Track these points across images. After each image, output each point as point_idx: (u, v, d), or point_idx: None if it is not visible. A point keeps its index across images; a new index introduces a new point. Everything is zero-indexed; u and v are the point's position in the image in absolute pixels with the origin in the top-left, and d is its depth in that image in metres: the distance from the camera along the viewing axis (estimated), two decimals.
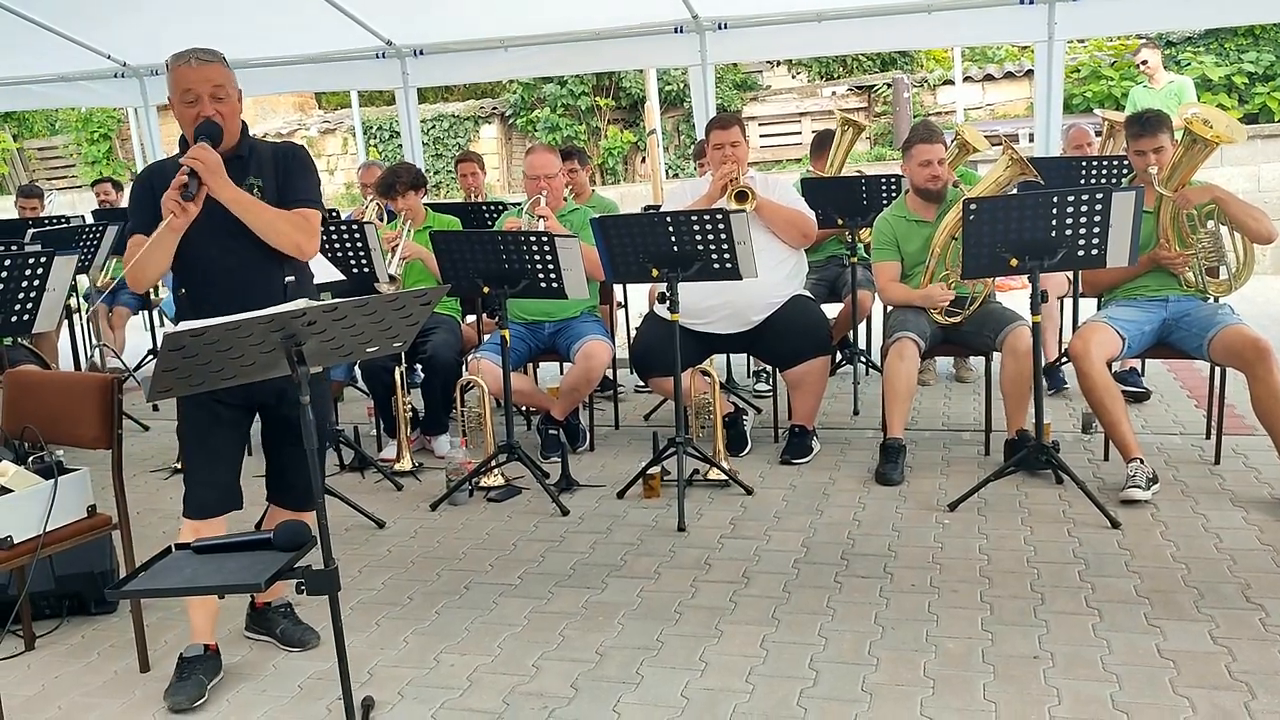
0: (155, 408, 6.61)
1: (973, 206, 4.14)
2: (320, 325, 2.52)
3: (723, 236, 4.33)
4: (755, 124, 14.23)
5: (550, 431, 5.35)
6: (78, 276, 5.99)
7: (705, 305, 4.95)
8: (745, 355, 6.44)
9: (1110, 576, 3.58)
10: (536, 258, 4.55)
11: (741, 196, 4.91)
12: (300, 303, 2.55)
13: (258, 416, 3.28)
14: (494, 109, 15.64)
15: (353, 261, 5.17)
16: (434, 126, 15.43)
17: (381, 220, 5.93)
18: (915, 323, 4.83)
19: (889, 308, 5.17)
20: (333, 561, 2.59)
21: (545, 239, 4.52)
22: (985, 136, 6.36)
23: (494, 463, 4.80)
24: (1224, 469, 4.60)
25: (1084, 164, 5.88)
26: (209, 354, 2.44)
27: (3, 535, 3.07)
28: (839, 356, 6.51)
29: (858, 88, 14.44)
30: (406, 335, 2.79)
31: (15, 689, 3.24)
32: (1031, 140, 9.39)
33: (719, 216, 4.32)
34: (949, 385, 6.42)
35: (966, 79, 13.67)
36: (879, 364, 5.38)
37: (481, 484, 4.83)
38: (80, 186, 16.31)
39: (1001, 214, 4.11)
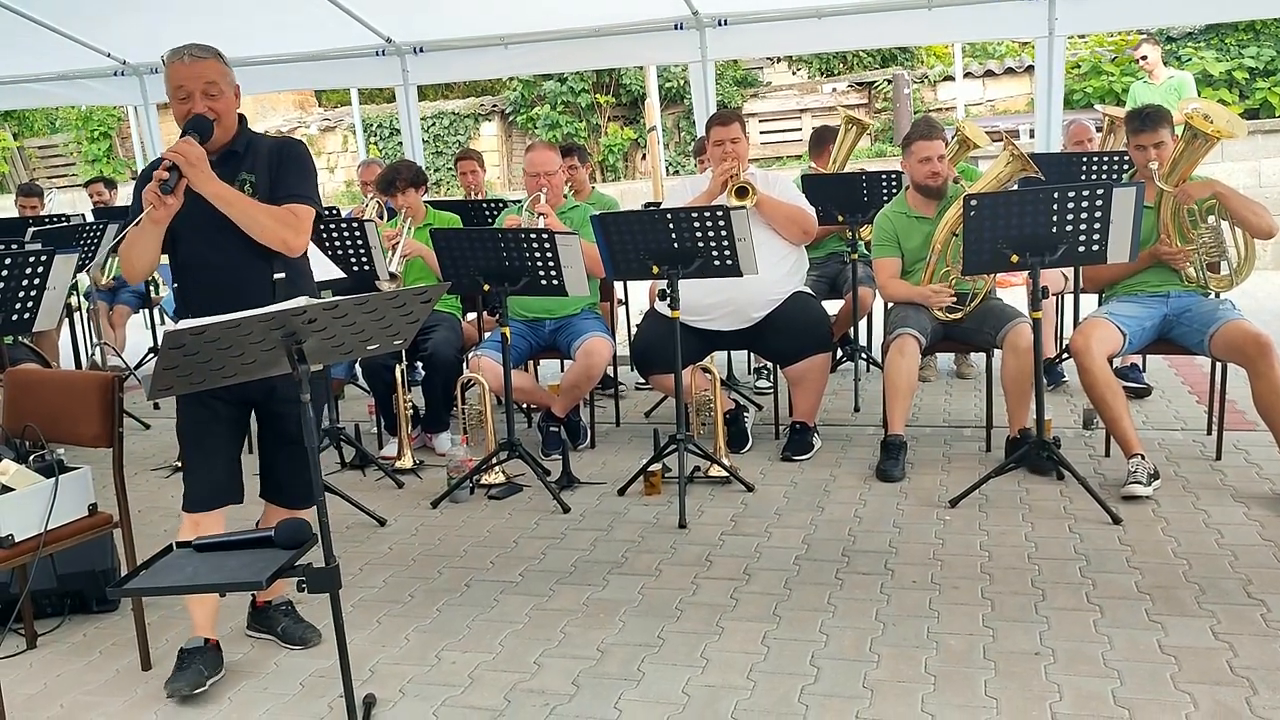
0: (156, 406, 6.61)
1: (973, 203, 4.13)
2: (321, 323, 2.52)
3: (723, 233, 4.33)
4: (755, 120, 14.22)
5: (551, 429, 5.35)
6: (78, 275, 5.99)
7: (706, 302, 4.95)
8: (746, 352, 6.45)
9: (1111, 572, 3.58)
10: (537, 255, 4.55)
11: (742, 192, 4.91)
12: (301, 300, 2.55)
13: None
14: (494, 106, 15.63)
15: (353, 259, 5.17)
16: (434, 124, 15.42)
17: (382, 218, 5.93)
18: (916, 319, 4.82)
19: (889, 304, 5.17)
20: (334, 559, 2.59)
21: (545, 236, 4.52)
22: (986, 132, 6.36)
23: (495, 460, 4.80)
24: (1225, 465, 4.60)
25: (1084, 160, 5.88)
26: (210, 352, 2.44)
27: (4, 534, 3.07)
28: (840, 353, 6.50)
29: (858, 84, 14.43)
30: (407, 333, 2.78)
31: (17, 687, 3.24)
32: (1032, 136, 9.36)
33: (719, 213, 4.31)
34: (950, 382, 6.42)
35: (967, 75, 13.66)
36: (880, 361, 5.37)
37: (482, 481, 4.83)
38: (80, 185, 16.29)
39: (1002, 210, 4.11)
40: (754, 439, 5.32)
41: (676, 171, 14.06)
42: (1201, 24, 12.05)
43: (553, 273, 4.57)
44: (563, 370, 5.81)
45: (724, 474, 4.70)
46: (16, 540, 3.10)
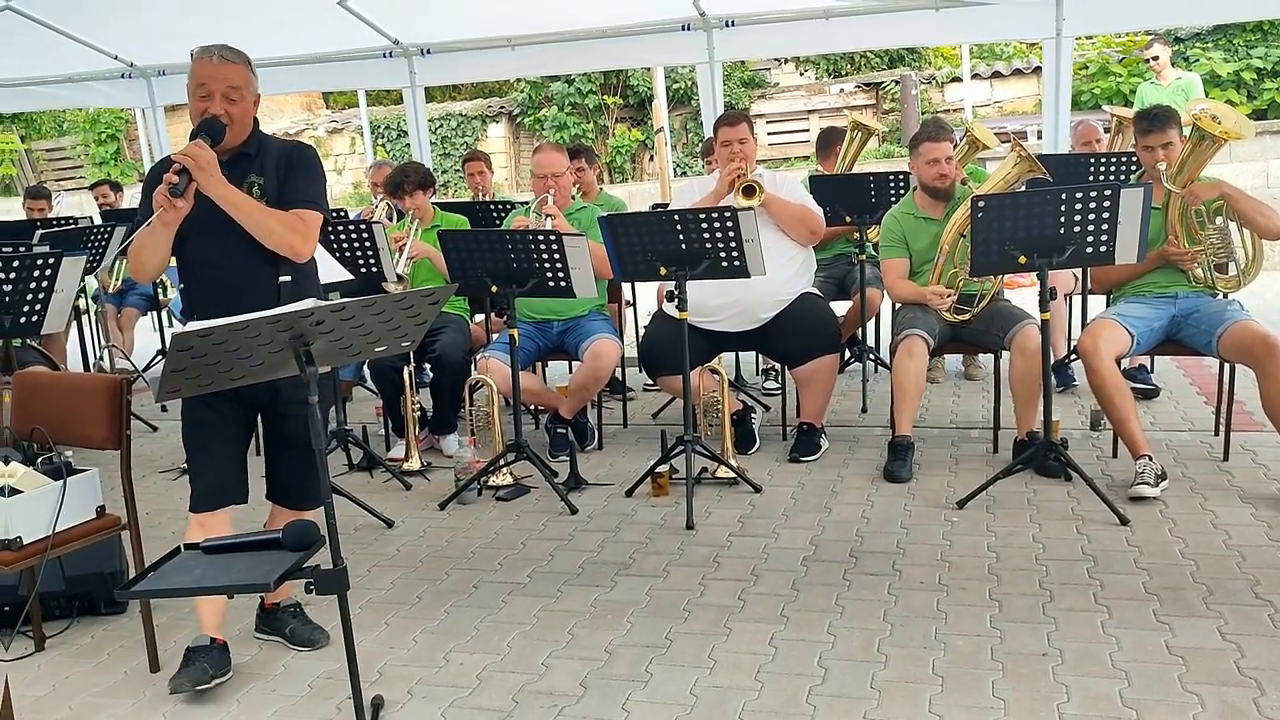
0: (164, 408, 6.61)
1: (981, 204, 4.13)
2: (328, 325, 2.53)
3: (731, 234, 4.33)
4: (763, 121, 14.21)
5: (559, 430, 5.35)
6: (86, 277, 6.00)
7: (714, 303, 4.95)
8: (754, 353, 6.44)
9: (1119, 573, 3.57)
10: (544, 257, 4.55)
11: (749, 191, 4.90)
12: (308, 303, 2.55)
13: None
14: (501, 108, 15.64)
15: (360, 261, 5.18)
16: (441, 125, 15.43)
17: (392, 220, 5.94)
18: (924, 320, 4.82)
19: (897, 305, 5.16)
20: (341, 561, 2.60)
21: (553, 238, 4.52)
22: (994, 133, 6.35)
23: (502, 462, 4.80)
24: (1233, 466, 4.59)
25: (1092, 160, 5.86)
26: (217, 354, 2.45)
27: (12, 536, 3.09)
28: (847, 354, 6.50)
29: (865, 85, 14.41)
30: (415, 335, 2.79)
31: (26, 689, 3.25)
32: (1040, 137, 9.38)
33: (727, 214, 4.31)
34: (958, 383, 6.41)
35: (975, 76, 13.63)
36: (888, 362, 5.37)
37: (490, 483, 4.84)
38: (87, 188, 16.33)
39: (1010, 211, 4.10)
40: (761, 440, 5.32)
41: (684, 172, 14.06)
42: (1209, 25, 12.01)
43: (560, 274, 4.57)
44: (570, 372, 5.81)
45: (731, 475, 4.70)
46: (25, 542, 3.11)
